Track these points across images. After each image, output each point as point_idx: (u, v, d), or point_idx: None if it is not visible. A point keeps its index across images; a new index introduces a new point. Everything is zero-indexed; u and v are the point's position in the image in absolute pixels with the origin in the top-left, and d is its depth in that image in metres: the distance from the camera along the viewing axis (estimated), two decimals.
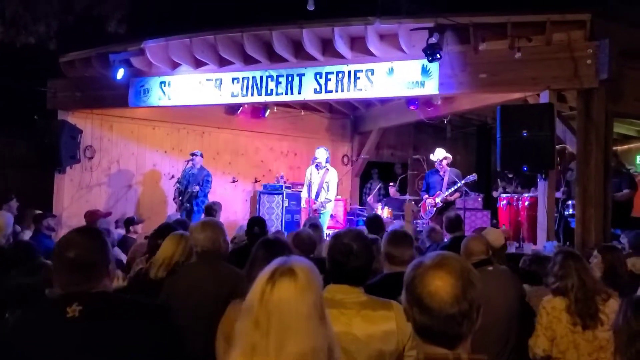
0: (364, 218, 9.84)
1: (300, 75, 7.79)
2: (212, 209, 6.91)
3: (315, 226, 5.82)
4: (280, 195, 9.64)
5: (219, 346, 2.49)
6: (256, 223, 4.90)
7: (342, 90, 7.58)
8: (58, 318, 1.81)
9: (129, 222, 6.89)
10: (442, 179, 8.31)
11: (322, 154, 8.69)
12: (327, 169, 8.65)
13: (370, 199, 10.83)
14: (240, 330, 1.46)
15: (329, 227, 8.72)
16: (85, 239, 1.95)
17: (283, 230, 8.12)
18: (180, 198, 8.78)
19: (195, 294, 2.98)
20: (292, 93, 7.86)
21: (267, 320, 1.41)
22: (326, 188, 8.60)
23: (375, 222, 5.72)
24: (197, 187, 8.65)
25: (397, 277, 2.99)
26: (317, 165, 8.70)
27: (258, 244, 2.90)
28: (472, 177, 7.98)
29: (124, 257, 5.68)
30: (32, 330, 1.83)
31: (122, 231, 7.30)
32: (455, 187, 8.05)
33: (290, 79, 7.83)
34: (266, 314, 1.42)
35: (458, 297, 1.40)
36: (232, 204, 10.13)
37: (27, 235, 6.65)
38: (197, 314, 2.90)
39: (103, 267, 1.95)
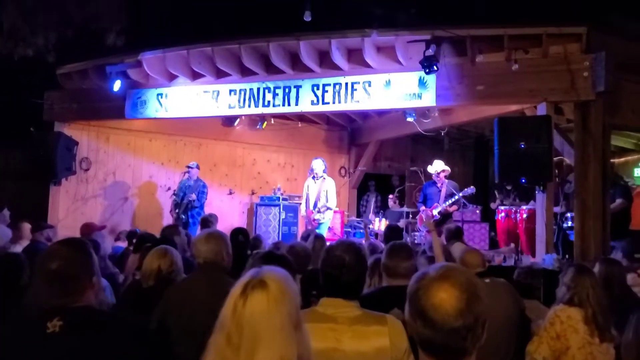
0: (362, 230, 9.80)
1: (297, 87, 7.78)
2: (208, 221, 6.85)
3: (319, 237, 5.75)
4: (277, 207, 9.62)
5: None
6: (240, 232, 4.89)
7: (339, 102, 7.55)
8: (38, 333, 1.77)
9: (132, 235, 6.83)
10: (440, 191, 8.28)
11: (318, 164, 8.65)
12: (324, 178, 8.60)
13: (371, 216, 10.77)
14: (212, 346, 1.46)
15: (326, 239, 8.65)
16: (69, 251, 1.92)
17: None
18: (176, 210, 8.74)
19: (194, 306, 2.93)
20: (289, 105, 7.84)
21: (238, 334, 1.42)
22: (324, 197, 8.54)
23: (395, 233, 5.68)
24: (194, 195, 8.61)
25: (393, 290, 2.96)
26: (313, 177, 8.66)
27: (258, 257, 2.88)
28: (471, 190, 7.94)
29: (116, 271, 5.60)
30: (12, 345, 1.79)
31: (123, 244, 7.22)
32: (453, 199, 8.01)
33: (287, 90, 7.82)
34: (238, 328, 1.42)
35: (462, 311, 1.36)
36: (229, 216, 10.08)
37: (19, 246, 6.58)
38: (194, 326, 2.85)
39: (86, 280, 1.91)
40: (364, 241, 8.57)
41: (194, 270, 3.25)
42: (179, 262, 3.53)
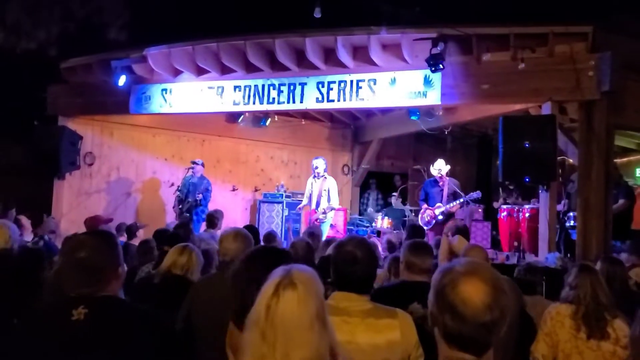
0: (364, 227, 9.84)
1: (303, 84, 7.80)
2: (214, 217, 6.86)
3: (313, 234, 5.80)
4: (280, 205, 9.66)
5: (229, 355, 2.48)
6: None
7: (344, 100, 7.58)
8: (63, 320, 1.81)
9: (134, 228, 6.87)
10: (442, 190, 8.26)
11: (320, 163, 8.63)
12: (325, 177, 8.60)
13: (370, 210, 10.82)
14: (248, 342, 1.53)
15: (328, 237, 8.66)
16: (97, 240, 1.97)
17: (283, 239, 8.11)
18: (180, 206, 8.76)
19: (220, 304, 2.93)
20: (294, 102, 7.86)
21: (273, 333, 1.48)
22: (326, 196, 8.55)
23: (419, 232, 5.70)
24: (201, 195, 8.63)
25: (412, 285, 3.00)
26: (315, 176, 8.64)
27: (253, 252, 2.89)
28: (476, 194, 7.86)
29: None
30: (38, 331, 1.84)
31: (122, 238, 7.27)
32: (458, 202, 7.97)
33: (292, 87, 7.84)
34: (272, 327, 1.48)
35: (491, 305, 1.41)
36: (232, 213, 10.09)
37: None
38: (221, 324, 2.86)
39: (112, 270, 1.96)
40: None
41: (221, 268, 3.25)
42: (195, 262, 3.53)
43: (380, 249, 8.14)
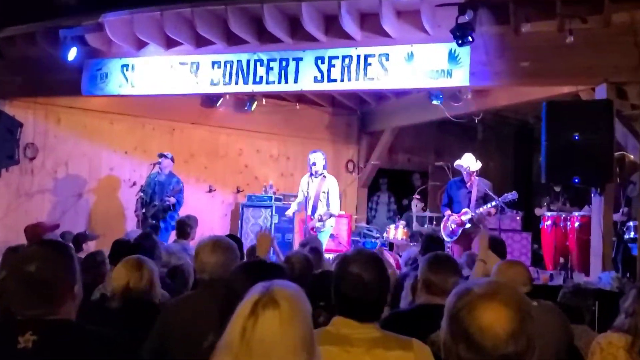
0: (373, 239, 9.86)
1: (297, 60, 7.84)
2: (187, 225, 6.89)
3: (315, 250, 5.82)
4: (269, 209, 9.69)
5: None
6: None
7: (349, 80, 7.61)
8: (7, 349, 1.83)
9: (81, 239, 6.90)
10: (469, 192, 8.26)
11: (318, 158, 8.58)
12: (324, 177, 8.59)
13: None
14: None
15: (328, 250, 8.67)
16: (49, 252, 1.99)
17: (271, 253, 8.12)
18: (143, 211, 8.78)
19: (198, 329, 2.96)
20: (286, 82, 7.91)
21: (248, 358, 1.51)
22: (324, 200, 8.53)
23: (437, 244, 5.73)
24: (173, 199, 8.64)
25: (433, 309, 3.03)
26: (311, 174, 8.61)
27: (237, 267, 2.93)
28: (512, 195, 7.87)
29: None
30: None
31: None
32: (491, 205, 7.98)
33: (284, 64, 7.88)
34: (248, 352, 1.52)
35: (515, 334, 1.44)
36: (208, 219, 10.11)
37: None
38: (200, 353, 2.89)
39: (67, 288, 1.98)
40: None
41: (198, 288, 3.26)
42: (155, 276, 3.55)
43: (394, 266, 8.20)
